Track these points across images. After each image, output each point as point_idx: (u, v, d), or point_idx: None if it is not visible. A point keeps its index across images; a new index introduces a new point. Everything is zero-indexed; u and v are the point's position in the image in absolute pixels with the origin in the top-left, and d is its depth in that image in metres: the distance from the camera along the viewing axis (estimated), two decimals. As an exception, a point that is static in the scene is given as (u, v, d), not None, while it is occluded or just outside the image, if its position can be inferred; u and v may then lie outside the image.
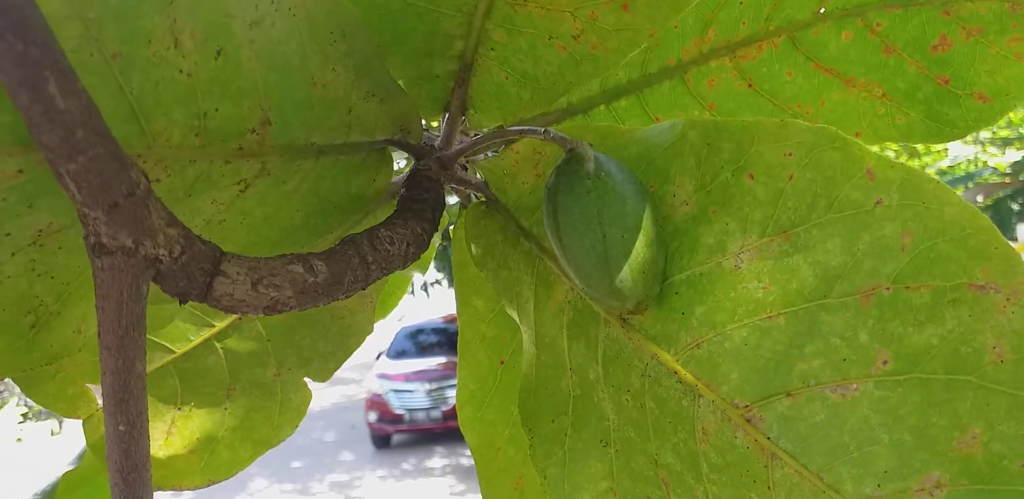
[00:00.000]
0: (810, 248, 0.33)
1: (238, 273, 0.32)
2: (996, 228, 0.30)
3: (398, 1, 0.38)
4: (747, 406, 0.34)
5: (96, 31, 0.29)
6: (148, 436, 0.32)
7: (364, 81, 0.38)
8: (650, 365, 0.37)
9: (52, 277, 0.34)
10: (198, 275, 0.31)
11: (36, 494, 0.76)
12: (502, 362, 0.54)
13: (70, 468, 0.77)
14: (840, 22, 0.51)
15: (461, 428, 0.55)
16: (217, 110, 0.33)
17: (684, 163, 0.37)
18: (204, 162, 0.34)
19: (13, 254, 0.32)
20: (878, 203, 0.32)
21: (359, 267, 0.37)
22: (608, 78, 0.50)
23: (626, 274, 0.35)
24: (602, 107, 0.51)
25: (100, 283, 0.29)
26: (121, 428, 0.31)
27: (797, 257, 0.33)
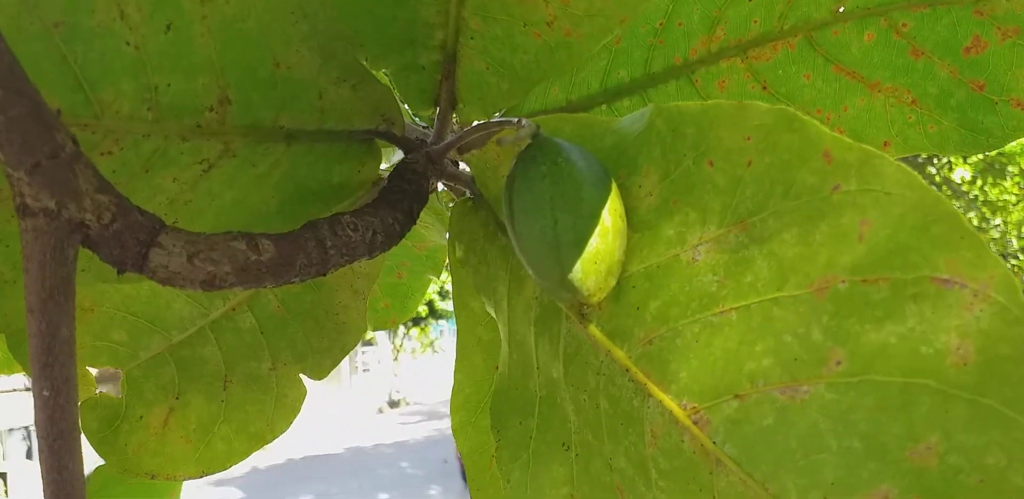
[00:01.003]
0: (766, 239, 0.31)
1: (174, 245, 0.32)
2: (961, 215, 0.27)
3: (368, -15, 0.38)
4: (695, 407, 0.31)
5: (35, -1, 0.29)
6: (76, 403, 0.32)
7: (332, 65, 0.38)
8: (604, 362, 0.35)
9: (7, 246, 0.34)
10: (132, 245, 0.31)
11: None
12: (497, 367, 0.53)
13: (103, 464, 0.79)
14: (862, 22, 0.48)
15: (453, 434, 0.53)
16: (169, 85, 0.33)
17: (651, 152, 0.35)
18: (159, 138, 0.35)
19: (-35, 219, 0.33)
20: (836, 189, 0.29)
21: (315, 250, 0.37)
22: (609, 76, 0.48)
23: (577, 265, 0.34)
24: (604, 106, 0.49)
25: (25, 244, 0.29)
26: (45, 393, 0.31)
27: (753, 248, 0.31)
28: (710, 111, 0.32)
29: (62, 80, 0.31)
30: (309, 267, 0.37)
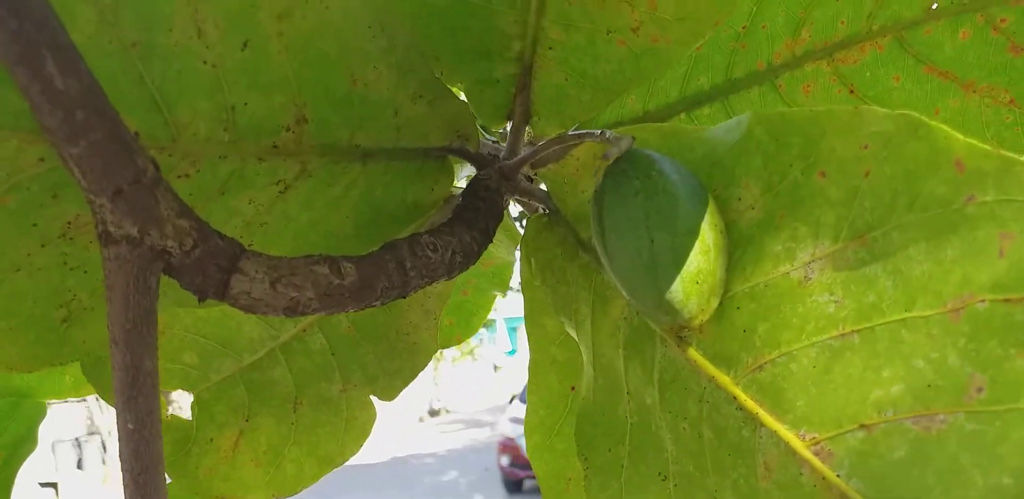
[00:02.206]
0: (889, 255, 0.28)
1: (256, 271, 0.31)
2: (1118, 229, 0.24)
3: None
4: (814, 438, 0.29)
5: (112, 17, 0.28)
6: (160, 435, 0.30)
7: (408, 81, 0.36)
8: (708, 389, 0.33)
9: (85, 272, 0.33)
10: (214, 271, 0.30)
11: None
12: (573, 388, 0.51)
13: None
14: (956, 19, 0.46)
15: (528, 456, 0.51)
16: (246, 104, 0.32)
17: (750, 163, 0.33)
18: (236, 159, 0.33)
19: (43, 246, 0.32)
20: (970, 200, 0.27)
21: (395, 273, 0.35)
22: (689, 83, 0.46)
23: (677, 285, 0.31)
24: (683, 115, 0.47)
25: (107, 274, 0.28)
26: (130, 426, 0.30)
27: (875, 266, 0.29)
28: (820, 118, 0.30)
29: (139, 101, 0.30)
30: (391, 290, 0.35)
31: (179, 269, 0.29)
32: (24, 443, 0.79)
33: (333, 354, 0.51)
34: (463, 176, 0.49)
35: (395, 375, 0.52)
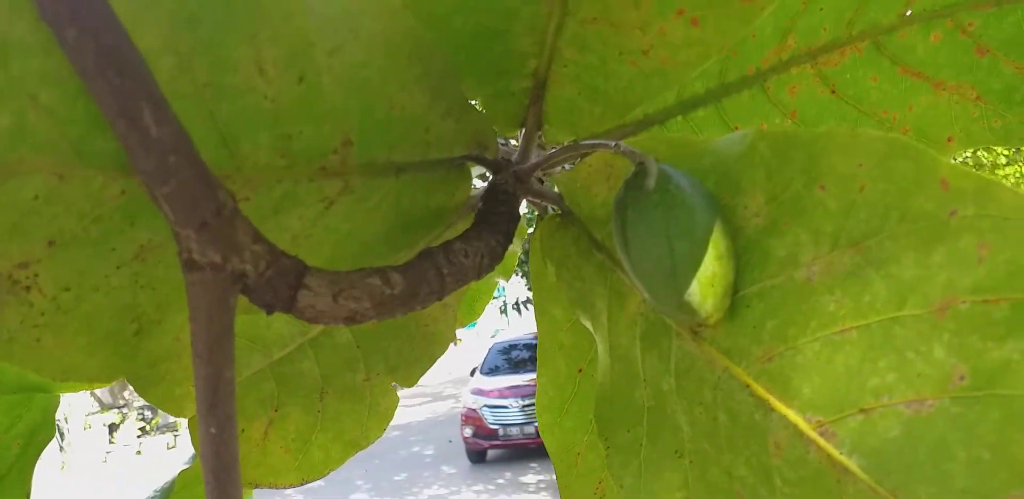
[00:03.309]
0: (883, 260, 0.32)
1: (320, 286, 0.34)
2: (1080, 240, 0.29)
3: (472, 23, 0.39)
4: (819, 421, 0.33)
5: (188, 63, 0.31)
6: (236, 437, 0.34)
7: (440, 102, 0.40)
8: (722, 378, 0.37)
9: (153, 288, 0.36)
10: (283, 288, 0.33)
11: (155, 491, 0.81)
12: (580, 370, 0.55)
13: (185, 467, 0.82)
14: (928, 24, 0.50)
15: (540, 434, 0.56)
16: (301, 133, 0.35)
17: (755, 174, 0.37)
18: (290, 182, 0.36)
19: (118, 267, 0.35)
20: (953, 214, 0.31)
21: (435, 279, 0.39)
22: (685, 89, 0.50)
23: (695, 288, 0.35)
24: (679, 118, 0.51)
25: (191, 296, 0.31)
26: (212, 430, 0.33)
27: (869, 270, 0.33)
28: (820, 138, 0.34)
29: (208, 136, 0.33)
30: (431, 295, 0.39)
31: (253, 288, 0.33)
32: (41, 431, 0.82)
33: (358, 347, 0.54)
34: (475, 173, 0.52)
35: (415, 363, 0.56)
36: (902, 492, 0.31)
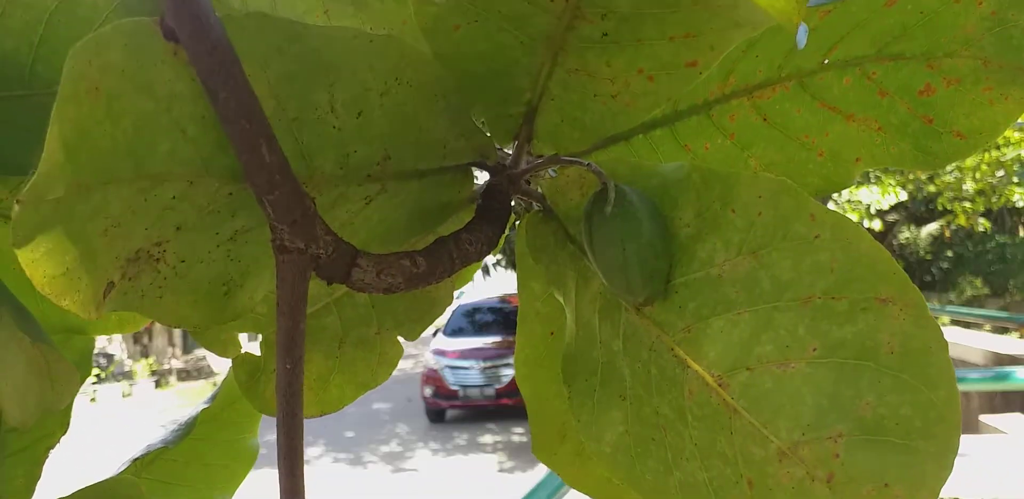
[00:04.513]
0: (770, 265, 0.46)
1: (368, 266, 0.47)
2: (893, 259, 0.42)
3: (484, 68, 0.52)
4: (719, 376, 0.47)
5: (284, 104, 0.43)
6: (303, 371, 0.47)
7: (456, 126, 0.52)
8: (655, 343, 0.51)
9: (239, 261, 0.49)
10: (342, 267, 0.46)
11: (178, 426, 0.94)
12: (552, 333, 0.69)
13: (205, 405, 0.95)
14: (842, 70, 0.62)
15: (518, 383, 0.69)
16: (356, 152, 0.48)
17: (688, 195, 0.50)
18: (344, 186, 0.49)
19: (218, 246, 0.47)
20: (817, 237, 0.44)
21: (447, 262, 0.52)
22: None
23: (639, 278, 0.49)
24: (640, 136, 0.64)
25: (280, 270, 0.44)
26: (287, 366, 0.46)
27: (761, 271, 0.46)
28: (733, 176, 0.47)
29: (293, 155, 0.45)
30: (444, 273, 0.52)
31: (323, 266, 0.46)
32: (80, 368, 0.94)
33: (373, 307, 0.68)
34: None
35: (418, 321, 0.69)
36: (770, 425, 0.45)
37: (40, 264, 0.36)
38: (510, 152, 0.62)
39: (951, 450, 0.42)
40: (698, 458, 0.49)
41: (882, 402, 0.42)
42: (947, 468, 0.42)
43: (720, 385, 0.47)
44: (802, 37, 0.57)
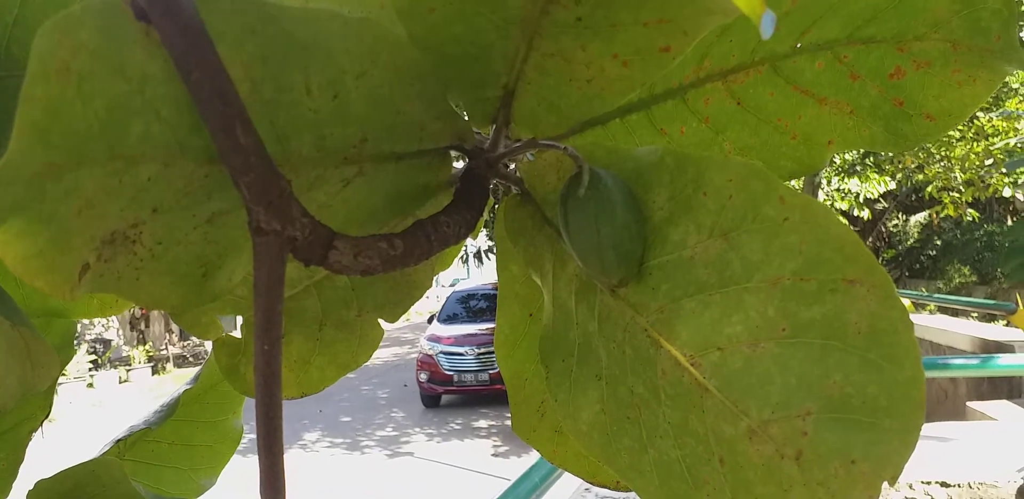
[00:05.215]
0: (740, 247, 0.47)
1: (345, 248, 0.48)
2: (862, 242, 0.43)
3: (460, 52, 0.52)
4: (691, 356, 0.48)
5: (258, 87, 0.43)
6: (281, 353, 0.48)
7: (432, 109, 0.52)
8: (629, 324, 0.51)
9: (217, 243, 0.49)
10: (319, 249, 0.47)
11: (160, 407, 0.95)
12: (531, 314, 0.69)
13: (188, 387, 0.96)
14: (814, 54, 0.63)
15: (498, 363, 0.70)
16: (332, 134, 0.48)
17: (662, 179, 0.51)
18: (321, 168, 0.49)
19: (195, 228, 0.47)
20: (786, 219, 0.45)
21: (424, 244, 0.52)
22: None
23: (613, 260, 0.49)
24: (617, 120, 0.64)
25: (257, 253, 0.45)
26: (265, 347, 0.47)
27: (731, 253, 0.47)
28: (705, 159, 0.48)
29: (268, 136, 0.45)
30: (421, 256, 0.52)
31: (299, 249, 0.46)
32: (62, 352, 0.94)
33: (353, 289, 0.68)
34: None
35: (397, 304, 0.70)
36: (740, 403, 0.46)
37: (12, 245, 0.37)
38: (488, 136, 0.62)
39: (915, 428, 0.43)
40: (671, 436, 0.50)
41: (849, 381, 0.43)
42: (911, 445, 0.43)
43: (692, 365, 0.48)
44: (768, 26, 0.58)
